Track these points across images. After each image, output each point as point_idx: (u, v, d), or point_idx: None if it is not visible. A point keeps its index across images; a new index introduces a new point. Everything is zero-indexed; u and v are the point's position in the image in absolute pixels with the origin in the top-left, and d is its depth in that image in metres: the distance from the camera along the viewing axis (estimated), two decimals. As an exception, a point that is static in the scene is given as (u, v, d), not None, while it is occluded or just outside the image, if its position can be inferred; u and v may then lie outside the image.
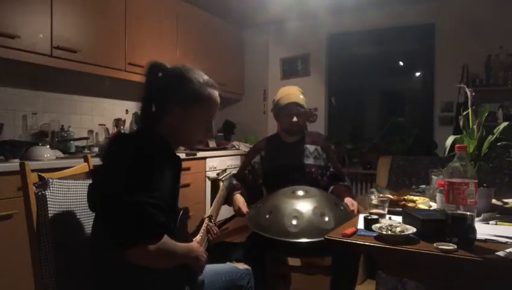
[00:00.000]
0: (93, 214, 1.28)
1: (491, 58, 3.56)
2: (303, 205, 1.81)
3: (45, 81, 2.87)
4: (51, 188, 1.25)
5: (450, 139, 1.70)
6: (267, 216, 1.82)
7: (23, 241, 1.29)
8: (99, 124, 3.31)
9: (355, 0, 3.84)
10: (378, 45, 4.35)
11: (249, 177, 2.27)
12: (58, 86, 2.98)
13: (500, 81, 3.48)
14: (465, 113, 1.75)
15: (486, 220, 1.51)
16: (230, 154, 3.95)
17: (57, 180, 1.28)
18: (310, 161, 2.22)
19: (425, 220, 1.31)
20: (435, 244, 1.19)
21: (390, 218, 1.53)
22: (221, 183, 1.90)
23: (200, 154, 3.47)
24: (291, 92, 2.23)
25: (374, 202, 1.57)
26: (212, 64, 3.98)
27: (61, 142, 2.82)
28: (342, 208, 1.91)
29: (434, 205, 1.74)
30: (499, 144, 1.68)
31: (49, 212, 1.23)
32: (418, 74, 4.40)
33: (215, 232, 1.57)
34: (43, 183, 1.25)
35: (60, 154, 2.59)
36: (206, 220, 1.54)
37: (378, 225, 1.35)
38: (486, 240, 1.26)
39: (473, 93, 1.82)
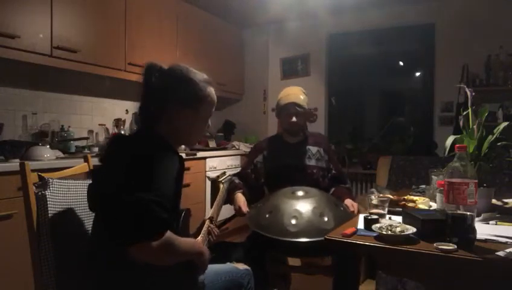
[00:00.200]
0: (93, 214, 1.28)
1: (491, 58, 3.56)
2: (303, 205, 1.82)
3: (45, 81, 2.87)
4: (51, 188, 1.25)
5: (450, 139, 1.71)
6: (267, 216, 1.83)
7: (23, 241, 1.29)
8: (99, 124, 3.31)
9: (355, 0, 3.84)
10: (378, 45, 4.35)
11: (252, 176, 2.27)
12: (58, 86, 2.98)
13: (500, 81, 3.48)
14: (465, 113, 1.75)
15: (486, 220, 1.51)
16: (230, 154, 3.95)
17: (57, 180, 1.28)
18: (311, 162, 2.23)
19: (425, 220, 1.31)
20: (435, 244, 1.19)
21: (390, 218, 1.53)
22: (221, 186, 1.90)
23: (200, 154, 3.47)
24: (292, 92, 2.24)
25: (374, 202, 1.57)
26: (212, 64, 3.98)
27: (61, 142, 2.82)
28: (342, 208, 1.91)
29: (434, 205, 1.74)
30: (499, 144, 1.68)
31: (49, 212, 1.23)
32: (418, 74, 4.40)
33: (216, 233, 1.57)
34: (43, 183, 1.25)
35: (60, 154, 2.59)
36: (207, 222, 1.54)
37: (378, 225, 1.35)
38: (486, 240, 1.26)
39: (473, 93, 1.82)
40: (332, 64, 4.58)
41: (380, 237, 1.30)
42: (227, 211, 2.14)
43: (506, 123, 1.72)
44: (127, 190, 1.06)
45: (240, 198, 2.06)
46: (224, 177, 1.97)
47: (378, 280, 2.34)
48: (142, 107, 1.31)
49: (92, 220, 1.31)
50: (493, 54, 3.54)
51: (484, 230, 1.34)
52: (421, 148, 3.94)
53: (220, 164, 3.75)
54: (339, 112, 4.62)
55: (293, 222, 1.74)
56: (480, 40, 3.64)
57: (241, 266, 1.56)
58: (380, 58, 4.39)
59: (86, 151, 2.89)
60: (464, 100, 3.17)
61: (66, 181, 1.32)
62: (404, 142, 4.15)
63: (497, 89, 3.49)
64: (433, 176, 1.95)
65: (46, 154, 2.37)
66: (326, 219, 1.75)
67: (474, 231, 1.22)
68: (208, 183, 3.57)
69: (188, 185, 3.24)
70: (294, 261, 2.24)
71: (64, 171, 1.45)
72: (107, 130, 3.33)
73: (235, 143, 4.29)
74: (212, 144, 3.97)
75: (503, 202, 1.81)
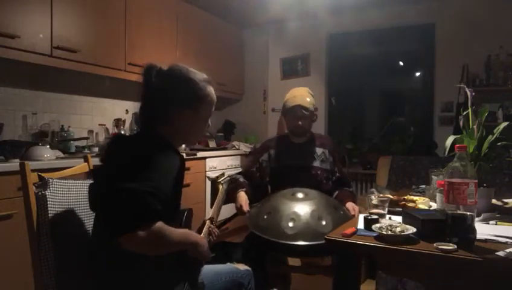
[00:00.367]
0: (93, 215, 1.28)
1: (491, 58, 3.55)
2: (302, 207, 1.81)
3: (45, 81, 2.87)
4: (51, 188, 1.25)
5: (450, 139, 1.71)
6: (265, 217, 1.83)
7: (23, 241, 1.29)
8: (99, 124, 3.31)
9: (355, 0, 3.84)
10: (378, 45, 4.35)
11: (257, 174, 2.27)
12: (58, 86, 2.98)
13: (500, 81, 3.48)
14: (465, 113, 1.75)
15: (486, 220, 1.51)
16: (230, 154, 3.95)
17: (57, 180, 1.28)
18: (316, 163, 2.24)
19: (425, 220, 1.31)
20: (435, 244, 1.19)
21: (390, 218, 1.53)
22: (220, 186, 1.90)
23: (200, 154, 3.47)
24: (299, 94, 2.23)
25: (374, 202, 1.57)
26: (212, 64, 3.98)
27: (61, 142, 2.82)
28: (342, 212, 1.90)
29: (434, 205, 1.74)
30: (499, 144, 1.68)
31: (49, 212, 1.23)
32: (418, 74, 4.40)
33: (216, 234, 1.57)
34: (43, 183, 1.25)
35: (60, 154, 2.59)
36: (208, 222, 1.54)
37: (378, 225, 1.35)
38: (486, 240, 1.26)
39: (473, 93, 1.82)
40: (332, 64, 4.58)
41: (380, 237, 1.30)
42: (227, 210, 2.14)
43: (506, 123, 1.73)
44: (121, 181, 1.06)
45: (242, 197, 2.06)
46: (223, 178, 1.97)
47: (378, 280, 2.34)
48: (142, 107, 1.31)
49: (92, 220, 1.31)
50: (493, 54, 3.54)
51: (484, 230, 1.34)
52: (421, 148, 3.94)
53: (220, 164, 3.75)
54: (339, 112, 4.62)
55: (291, 224, 1.74)
56: (480, 40, 3.64)
57: (242, 267, 1.56)
58: (380, 58, 4.39)
59: (86, 151, 2.89)
60: (463, 100, 3.17)
61: (66, 181, 1.32)
62: (404, 142, 4.15)
63: (497, 89, 3.49)
64: (433, 176, 1.95)
65: (46, 154, 2.37)
66: (324, 222, 1.74)
67: (474, 231, 1.22)
68: (208, 183, 3.57)
69: (188, 185, 3.23)
70: (294, 261, 2.24)
71: (64, 171, 1.45)
72: (107, 130, 3.33)
73: (235, 143, 4.29)
74: (212, 144, 3.97)
75: (503, 202, 1.81)
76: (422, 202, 1.76)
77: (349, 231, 1.37)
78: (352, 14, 4.19)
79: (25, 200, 1.22)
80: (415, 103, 4.37)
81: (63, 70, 2.70)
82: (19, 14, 2.36)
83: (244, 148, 4.17)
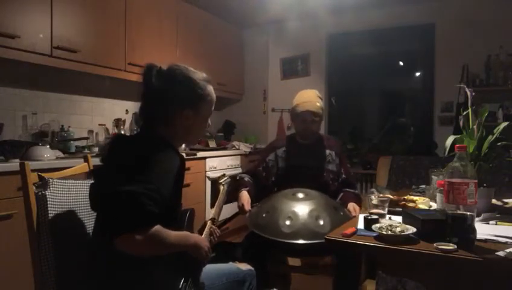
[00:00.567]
0: (94, 214, 1.28)
1: (491, 58, 3.56)
2: (300, 207, 1.82)
3: (45, 81, 2.87)
4: (51, 188, 1.25)
5: (450, 139, 1.71)
6: (264, 215, 1.84)
7: (23, 241, 1.29)
8: (99, 124, 3.31)
9: (355, 0, 3.84)
10: (378, 45, 4.34)
11: (262, 174, 2.27)
12: (58, 86, 2.97)
13: (500, 81, 3.48)
14: (465, 113, 1.75)
15: (486, 220, 1.51)
16: (230, 155, 3.94)
17: (57, 180, 1.28)
18: (328, 165, 2.24)
19: (425, 220, 1.31)
20: (435, 245, 1.19)
21: (390, 218, 1.53)
22: (221, 187, 1.90)
23: (200, 154, 3.47)
24: (308, 100, 2.23)
25: (374, 202, 1.57)
26: (212, 64, 3.98)
27: (61, 142, 2.82)
28: (342, 213, 1.90)
29: (434, 205, 1.74)
30: (499, 144, 1.68)
31: (49, 212, 1.23)
32: (418, 74, 4.40)
33: (218, 234, 1.57)
34: (43, 183, 1.25)
35: (60, 154, 2.59)
36: (209, 223, 1.54)
37: (378, 225, 1.35)
38: (486, 240, 1.26)
39: (473, 93, 1.82)
40: (332, 64, 4.58)
41: (380, 237, 1.30)
42: (227, 210, 2.14)
43: (506, 123, 1.73)
44: (120, 184, 1.06)
45: (245, 196, 2.06)
46: (224, 179, 1.97)
47: (378, 280, 2.34)
48: (142, 107, 1.31)
49: (92, 220, 1.31)
50: (493, 54, 3.54)
51: (484, 230, 1.34)
52: (421, 148, 3.93)
53: (220, 164, 3.75)
54: (339, 112, 4.62)
55: (287, 223, 1.75)
56: (480, 40, 3.64)
57: (244, 266, 1.56)
58: (380, 58, 4.39)
59: (86, 151, 2.89)
60: (463, 100, 3.17)
61: (66, 181, 1.32)
62: (404, 142, 4.15)
63: (497, 89, 3.49)
64: (433, 176, 1.95)
65: (46, 154, 2.37)
66: (321, 222, 1.75)
67: (474, 231, 1.22)
68: (208, 183, 3.57)
69: (188, 185, 3.23)
70: (294, 261, 2.24)
71: (64, 171, 1.45)
72: (107, 130, 3.33)
73: (235, 143, 4.29)
74: (212, 144, 3.97)
75: (503, 202, 1.81)
76: (422, 202, 1.76)
77: (349, 231, 1.37)
78: (352, 14, 4.19)
79: (25, 200, 1.22)
80: (415, 103, 4.37)
81: (63, 70, 2.70)
82: (19, 14, 2.36)
83: (244, 148, 4.17)
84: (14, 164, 2.05)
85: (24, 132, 2.73)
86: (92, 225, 1.30)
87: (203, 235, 1.47)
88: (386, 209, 1.56)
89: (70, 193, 1.32)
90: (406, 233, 1.27)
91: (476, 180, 1.33)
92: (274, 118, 4.70)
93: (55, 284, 1.21)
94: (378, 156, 3.44)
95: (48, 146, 2.53)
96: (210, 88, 1.35)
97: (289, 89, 4.61)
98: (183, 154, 3.19)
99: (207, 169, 3.57)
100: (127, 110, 3.58)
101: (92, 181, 1.30)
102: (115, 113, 3.46)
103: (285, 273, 2.25)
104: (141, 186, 1.06)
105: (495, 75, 3.51)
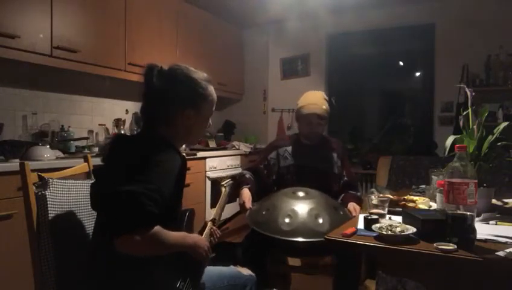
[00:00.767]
0: (94, 214, 1.28)
1: (491, 58, 3.56)
2: (300, 205, 1.82)
3: (45, 81, 2.87)
4: (51, 188, 1.25)
5: (450, 139, 1.71)
6: (264, 213, 1.85)
7: (23, 241, 1.29)
8: (99, 124, 3.31)
9: (355, 0, 3.84)
10: (378, 45, 4.35)
11: (264, 172, 2.27)
12: (58, 86, 2.98)
13: (500, 81, 3.48)
14: (465, 113, 1.75)
15: (486, 220, 1.51)
16: (230, 155, 3.94)
17: (57, 180, 1.28)
18: (334, 167, 2.24)
19: (425, 220, 1.31)
20: (435, 245, 1.19)
21: (390, 218, 1.53)
22: (223, 189, 1.91)
23: (200, 154, 3.47)
24: (315, 102, 2.20)
25: (374, 202, 1.57)
26: (212, 64, 3.98)
27: (61, 142, 2.82)
28: (342, 213, 1.90)
29: (434, 205, 1.74)
30: (499, 144, 1.68)
31: (49, 212, 1.23)
32: (418, 74, 4.40)
33: (218, 235, 1.57)
34: (43, 183, 1.25)
35: (60, 154, 2.59)
36: (209, 224, 1.54)
37: (378, 225, 1.35)
38: (486, 240, 1.26)
39: (473, 93, 1.82)
40: (332, 64, 4.58)
41: (380, 237, 1.30)
42: (228, 211, 2.14)
43: (506, 123, 1.72)
44: (121, 183, 1.06)
45: (246, 193, 2.06)
46: (226, 181, 1.98)
47: (378, 280, 2.33)
48: (143, 107, 1.31)
49: (92, 220, 1.31)
50: (493, 54, 3.55)
51: (484, 230, 1.34)
52: (421, 148, 3.93)
53: (220, 164, 3.75)
54: (339, 112, 4.61)
55: (287, 220, 1.76)
56: (480, 40, 3.64)
57: (245, 271, 1.56)
58: (380, 58, 4.39)
59: (86, 151, 2.89)
60: (463, 100, 3.17)
61: (66, 181, 1.32)
62: (404, 142, 4.15)
63: (497, 89, 3.49)
64: (433, 176, 1.95)
65: (46, 154, 2.37)
66: (321, 221, 1.75)
67: (474, 231, 1.22)
68: (208, 183, 3.57)
69: (188, 185, 3.23)
70: (294, 261, 2.24)
71: (64, 171, 1.45)
72: (107, 130, 3.33)
73: (235, 143, 4.29)
74: (212, 144, 3.97)
75: (503, 202, 1.81)
76: (422, 202, 1.76)
77: (349, 231, 1.37)
78: (352, 14, 4.19)
79: (25, 200, 1.22)
80: (415, 103, 4.37)
81: (63, 70, 2.70)
82: (19, 14, 2.36)
83: (244, 148, 4.17)
84: (14, 164, 2.05)
85: (24, 132, 2.73)
86: (92, 225, 1.30)
87: (203, 236, 1.47)
88: (386, 209, 1.56)
89: (70, 193, 1.32)
90: (406, 233, 1.27)
91: (476, 180, 1.33)
92: (274, 118, 4.70)
93: (55, 284, 1.21)
94: (378, 156, 3.44)
95: (48, 146, 2.53)
96: (211, 88, 1.35)
97: (289, 89, 4.65)
98: (183, 154, 3.21)
99: (207, 169, 3.57)
100: (127, 110, 3.58)
101: (93, 181, 1.30)
102: (115, 113, 3.46)
103: (285, 273, 2.25)
104: (141, 186, 1.06)
105: (495, 75, 3.51)
